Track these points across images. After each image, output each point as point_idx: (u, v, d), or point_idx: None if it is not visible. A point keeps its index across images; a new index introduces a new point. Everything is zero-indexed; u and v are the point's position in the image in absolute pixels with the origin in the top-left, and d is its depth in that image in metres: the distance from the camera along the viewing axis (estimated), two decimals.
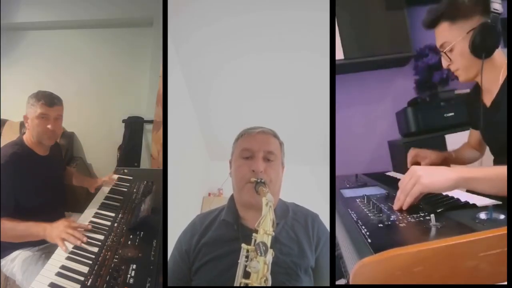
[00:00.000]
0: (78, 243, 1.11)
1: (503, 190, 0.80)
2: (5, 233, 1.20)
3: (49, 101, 1.37)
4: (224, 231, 0.96)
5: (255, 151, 0.97)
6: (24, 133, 1.43)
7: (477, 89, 1.22)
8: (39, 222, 1.22)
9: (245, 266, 0.73)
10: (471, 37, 1.01)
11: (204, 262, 0.91)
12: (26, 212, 1.27)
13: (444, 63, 1.13)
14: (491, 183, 0.82)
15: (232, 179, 1.01)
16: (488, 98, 1.14)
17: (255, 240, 0.75)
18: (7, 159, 1.27)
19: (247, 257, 0.74)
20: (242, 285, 0.71)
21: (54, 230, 1.17)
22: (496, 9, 0.98)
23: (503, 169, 0.81)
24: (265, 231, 0.76)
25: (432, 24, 1.11)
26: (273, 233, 0.77)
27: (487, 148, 1.31)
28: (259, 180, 0.91)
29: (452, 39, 1.06)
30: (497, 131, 1.12)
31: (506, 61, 1.08)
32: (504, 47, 2.30)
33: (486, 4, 1.00)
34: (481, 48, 1.01)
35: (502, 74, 1.06)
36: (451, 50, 1.08)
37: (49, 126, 1.37)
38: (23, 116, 1.39)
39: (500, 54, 1.07)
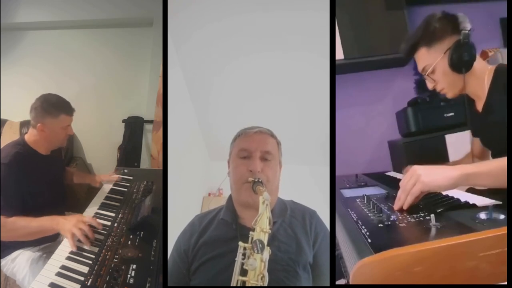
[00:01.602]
0: (88, 245, 1.11)
1: (504, 182, 0.80)
2: (18, 231, 1.20)
3: (70, 110, 1.41)
4: (223, 231, 0.96)
5: (252, 151, 0.97)
6: (26, 132, 1.43)
7: (467, 99, 1.26)
8: (52, 216, 1.21)
9: (242, 264, 0.73)
10: (449, 56, 1.10)
11: (203, 261, 0.91)
12: (29, 211, 1.27)
13: (429, 85, 1.21)
14: (492, 177, 0.83)
15: (230, 179, 1.02)
16: (479, 105, 1.18)
17: (252, 238, 0.75)
18: (10, 159, 1.27)
19: (244, 254, 0.75)
20: (239, 282, 0.72)
21: (66, 223, 1.16)
22: (465, 27, 1.08)
23: (503, 161, 0.82)
24: (261, 229, 0.76)
25: (411, 52, 1.19)
26: (270, 231, 0.77)
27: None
28: (256, 180, 0.91)
29: (432, 61, 1.13)
30: (493, 133, 1.16)
31: (488, 66, 1.14)
32: (504, 47, 2.31)
33: (456, 24, 1.09)
34: (459, 64, 1.09)
35: (487, 79, 1.12)
36: (433, 72, 1.15)
37: (70, 133, 1.44)
38: (38, 126, 1.35)
39: (479, 62, 1.13)
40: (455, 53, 1.08)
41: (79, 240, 1.12)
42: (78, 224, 1.14)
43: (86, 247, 1.11)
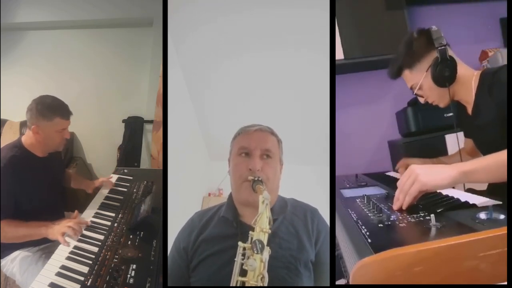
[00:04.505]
0: (76, 236, 1.15)
1: (503, 176, 0.80)
2: (7, 234, 1.22)
3: (66, 114, 1.37)
4: (223, 228, 0.96)
5: (252, 149, 0.97)
6: (23, 134, 1.42)
7: (459, 105, 1.29)
8: (40, 221, 1.25)
9: (242, 264, 0.72)
10: (431, 74, 1.15)
11: (203, 258, 0.91)
12: (26, 214, 1.28)
13: (421, 100, 1.26)
14: (490, 172, 0.84)
15: (230, 177, 1.01)
16: (469, 108, 1.22)
17: (252, 238, 0.74)
18: (6, 162, 1.26)
19: (243, 255, 0.74)
20: (239, 283, 0.71)
21: (55, 228, 1.19)
22: (441, 43, 1.12)
23: (499, 156, 0.82)
24: (261, 228, 0.75)
25: (396, 75, 1.27)
26: (270, 231, 0.76)
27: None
28: (256, 178, 0.90)
29: (417, 81, 1.20)
30: (483, 135, 1.19)
31: (474, 72, 1.17)
32: (504, 47, 2.31)
33: (430, 41, 1.13)
34: (442, 78, 1.14)
35: (474, 82, 1.15)
36: (420, 89, 1.21)
37: (67, 137, 1.41)
38: (32, 128, 1.32)
39: (463, 69, 1.16)
40: (435, 71, 1.13)
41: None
42: (66, 223, 1.18)
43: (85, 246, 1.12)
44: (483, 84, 1.11)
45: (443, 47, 1.11)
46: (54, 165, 1.51)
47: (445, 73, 1.12)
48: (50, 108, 1.33)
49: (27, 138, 1.38)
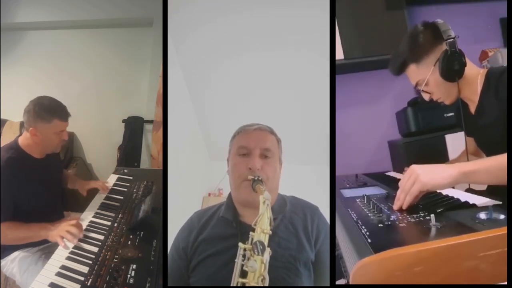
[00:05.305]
0: (75, 241, 1.14)
1: (503, 179, 0.80)
2: (7, 237, 1.22)
3: (64, 116, 1.36)
4: (223, 228, 0.95)
5: (252, 148, 0.96)
6: (20, 135, 1.40)
7: (462, 103, 1.28)
8: (40, 223, 1.25)
9: (242, 265, 0.72)
10: (439, 68, 1.10)
11: (202, 258, 0.91)
12: (25, 215, 1.28)
13: (426, 96, 1.21)
14: (491, 174, 0.84)
15: (229, 177, 1.00)
16: (472, 107, 1.21)
17: (252, 239, 0.74)
18: (3, 164, 1.25)
19: (244, 256, 0.73)
20: (239, 284, 0.71)
21: (54, 231, 1.19)
22: (450, 35, 1.08)
23: (502, 158, 0.82)
24: (262, 229, 0.75)
25: (399, 70, 1.20)
26: (270, 232, 0.76)
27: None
28: (256, 178, 0.90)
29: (424, 76, 1.14)
30: (486, 135, 1.19)
31: (479, 70, 1.14)
32: (504, 47, 2.31)
33: (438, 34, 1.09)
34: (451, 72, 1.10)
35: (479, 82, 1.13)
36: (426, 85, 1.16)
37: (65, 138, 1.40)
38: (30, 130, 1.31)
39: (470, 67, 1.13)
40: (445, 64, 1.08)
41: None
42: (65, 227, 1.18)
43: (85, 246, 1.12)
44: (489, 84, 1.10)
45: (452, 39, 1.07)
46: (52, 165, 1.50)
47: (454, 67, 1.08)
48: (48, 110, 1.31)
49: (24, 139, 1.37)
